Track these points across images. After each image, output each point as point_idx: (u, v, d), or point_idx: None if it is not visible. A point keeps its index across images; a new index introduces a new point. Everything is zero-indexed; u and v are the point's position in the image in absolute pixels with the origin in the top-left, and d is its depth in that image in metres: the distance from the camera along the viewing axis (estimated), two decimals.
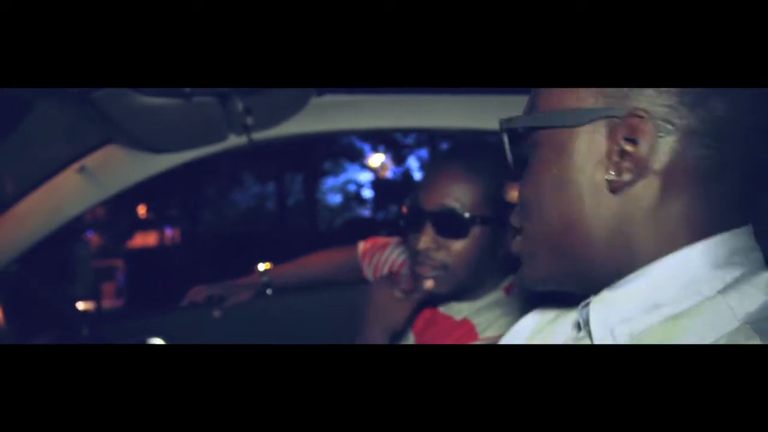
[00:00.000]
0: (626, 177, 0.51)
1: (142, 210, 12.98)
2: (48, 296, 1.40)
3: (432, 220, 1.08)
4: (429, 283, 1.10)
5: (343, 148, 15.33)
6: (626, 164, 0.51)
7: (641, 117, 0.49)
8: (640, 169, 0.50)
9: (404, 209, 1.16)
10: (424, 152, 15.57)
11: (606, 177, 0.52)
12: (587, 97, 0.53)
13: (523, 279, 0.62)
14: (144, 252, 12.12)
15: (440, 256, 1.09)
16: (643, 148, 0.50)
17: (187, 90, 0.98)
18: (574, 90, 0.54)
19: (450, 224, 1.07)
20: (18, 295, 1.27)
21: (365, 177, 16.45)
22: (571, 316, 0.65)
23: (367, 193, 16.57)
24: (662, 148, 0.50)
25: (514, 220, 0.62)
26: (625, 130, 0.50)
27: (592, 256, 0.55)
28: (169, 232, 13.79)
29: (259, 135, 1.36)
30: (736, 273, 0.50)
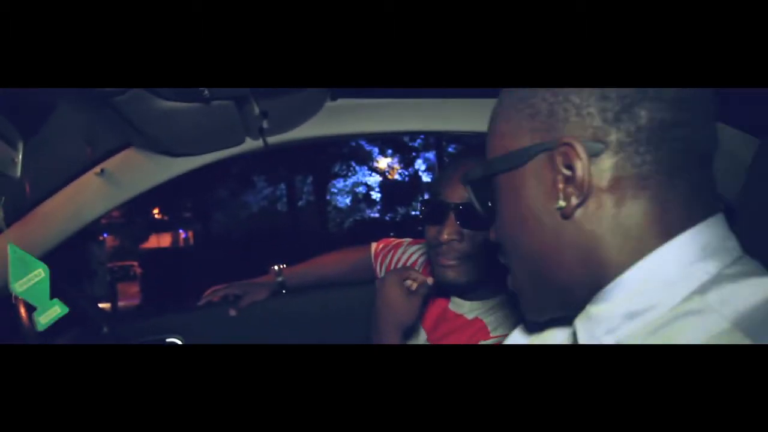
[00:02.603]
0: (574, 201, 0.53)
1: (155, 212, 13.06)
2: (70, 295, 1.43)
3: (456, 212, 1.12)
4: (430, 279, 1.14)
5: (352, 151, 15.36)
6: (570, 189, 0.53)
7: (569, 144, 0.52)
8: (584, 190, 0.53)
9: (421, 205, 1.20)
10: (431, 155, 15.59)
11: (556, 206, 0.54)
12: (522, 137, 0.57)
13: (522, 311, 0.65)
14: (158, 253, 12.19)
15: (463, 246, 1.13)
16: (580, 171, 0.52)
17: (206, 94, 1.00)
18: (510, 133, 0.58)
19: (472, 216, 1.11)
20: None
21: (373, 179, 16.47)
22: (559, 331, 0.67)
23: (375, 195, 16.59)
24: (601, 165, 0.52)
25: (501, 258, 0.66)
26: (561, 158, 0.53)
27: (569, 280, 0.57)
28: (182, 234, 13.87)
29: (275, 138, 1.39)
30: (708, 268, 0.51)
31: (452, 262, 1.14)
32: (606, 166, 0.52)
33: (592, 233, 0.54)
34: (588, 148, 0.52)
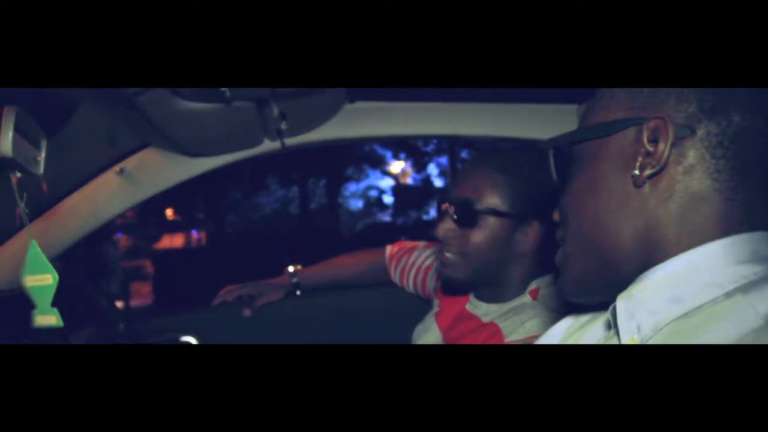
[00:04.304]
0: (647, 171, 0.56)
1: (169, 212, 13.16)
2: (89, 293, 1.45)
3: (454, 209, 1.15)
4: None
5: (365, 155, 15.39)
6: (649, 161, 0.56)
7: (662, 119, 0.55)
8: (660, 163, 0.55)
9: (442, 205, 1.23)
10: (443, 159, 15.59)
11: (631, 174, 0.57)
12: (619, 111, 0.59)
13: (561, 288, 0.66)
14: (171, 253, 12.27)
15: (457, 243, 1.16)
16: (662, 145, 0.55)
17: (228, 95, 1.01)
18: (610, 107, 0.61)
19: (464, 213, 1.14)
20: (60, 291, 1.31)
21: (386, 183, 16.50)
22: (603, 318, 0.67)
23: (388, 198, 16.60)
24: (683, 149, 0.55)
25: (558, 234, 0.67)
26: (648, 133, 0.56)
27: (622, 254, 0.59)
28: (195, 235, 13.98)
29: (292, 140, 1.40)
30: (757, 270, 0.52)
31: (449, 258, 1.17)
32: (688, 151, 0.55)
33: (655, 211, 0.56)
34: (677, 129, 0.54)
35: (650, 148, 0.56)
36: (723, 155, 0.54)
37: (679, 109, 0.55)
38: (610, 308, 0.61)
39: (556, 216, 0.68)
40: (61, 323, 0.77)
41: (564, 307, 1.09)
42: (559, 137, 0.66)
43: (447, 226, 1.16)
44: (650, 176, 0.56)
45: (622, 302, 0.58)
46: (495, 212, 1.13)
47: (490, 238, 1.14)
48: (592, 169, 0.61)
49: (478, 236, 1.14)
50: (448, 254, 1.18)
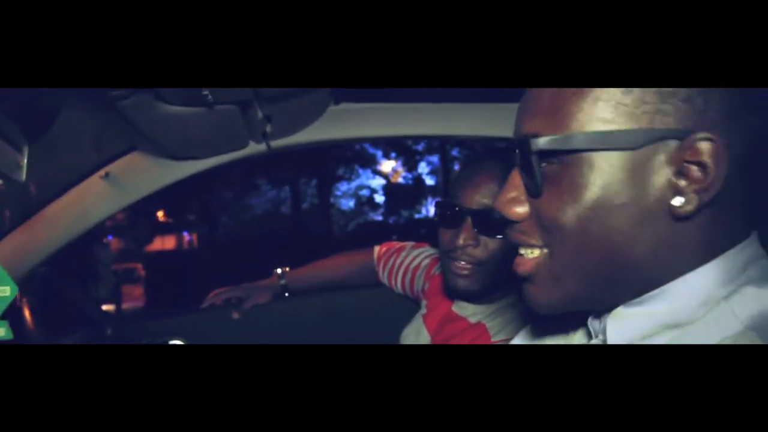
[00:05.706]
0: (693, 203, 0.48)
1: (160, 215, 13.10)
2: (75, 298, 1.44)
3: (472, 217, 1.11)
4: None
5: (356, 154, 15.39)
6: (693, 187, 0.48)
7: (712, 141, 0.47)
8: (708, 194, 0.48)
9: (437, 208, 1.18)
10: (434, 158, 15.62)
11: (673, 203, 0.49)
12: (640, 116, 0.49)
13: (535, 302, 0.58)
14: (162, 255, 12.22)
15: (477, 252, 1.12)
16: (714, 172, 0.47)
17: (210, 98, 1.01)
18: (629, 104, 0.50)
19: (489, 222, 1.10)
20: (46, 296, 1.30)
21: (377, 182, 16.50)
22: (579, 328, 0.65)
23: (379, 198, 16.61)
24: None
25: (529, 239, 0.57)
26: (691, 152, 0.48)
27: (627, 279, 0.53)
28: (186, 237, 13.93)
29: (278, 142, 1.39)
30: (743, 281, 0.51)
31: (466, 269, 1.12)
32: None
33: (679, 240, 0.51)
34: (731, 149, 0.47)
35: (692, 169, 0.48)
36: (739, 167, 0.50)
37: (716, 120, 0.48)
38: (590, 319, 0.59)
39: (514, 214, 0.58)
40: (10, 335, 0.76)
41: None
42: (552, 142, 0.52)
43: (467, 234, 1.10)
44: (698, 209, 0.49)
45: (613, 324, 0.55)
46: None
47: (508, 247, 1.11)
48: (603, 183, 0.50)
49: (500, 244, 1.09)
50: (462, 263, 1.12)
